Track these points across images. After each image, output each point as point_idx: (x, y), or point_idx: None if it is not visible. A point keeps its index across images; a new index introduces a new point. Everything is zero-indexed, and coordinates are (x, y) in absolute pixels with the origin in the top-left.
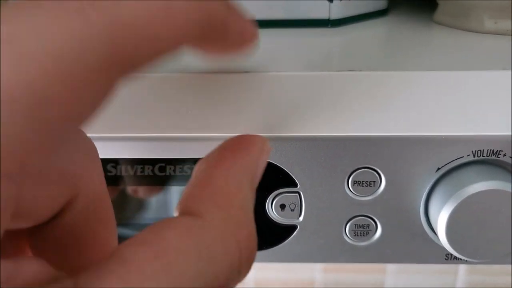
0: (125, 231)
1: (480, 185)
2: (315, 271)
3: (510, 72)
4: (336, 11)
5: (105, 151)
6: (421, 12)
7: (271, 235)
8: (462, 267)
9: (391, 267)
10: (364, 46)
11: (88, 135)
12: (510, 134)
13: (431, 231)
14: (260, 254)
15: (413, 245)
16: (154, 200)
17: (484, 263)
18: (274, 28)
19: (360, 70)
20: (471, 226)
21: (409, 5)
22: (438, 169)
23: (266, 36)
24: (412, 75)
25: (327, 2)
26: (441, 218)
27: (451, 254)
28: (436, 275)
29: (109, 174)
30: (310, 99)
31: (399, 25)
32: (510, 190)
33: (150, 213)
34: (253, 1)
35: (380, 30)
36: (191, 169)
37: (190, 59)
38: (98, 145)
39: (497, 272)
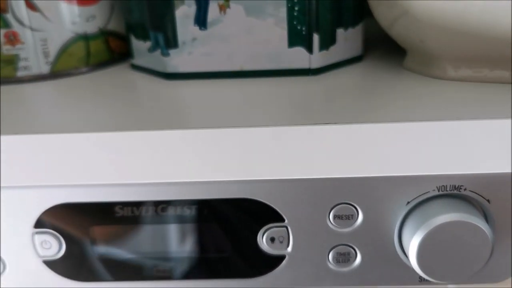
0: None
1: (444, 217)
2: None
3: (466, 122)
4: (316, 61)
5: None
6: (393, 58)
7: (263, 264)
8: None
9: None
10: (340, 94)
11: None
12: (468, 172)
13: (405, 257)
14: (254, 281)
15: (390, 270)
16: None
17: (452, 283)
18: (261, 78)
19: (336, 123)
20: (439, 252)
21: (382, 50)
22: (408, 202)
23: (253, 86)
24: (381, 126)
25: (308, 54)
26: (412, 247)
27: (424, 278)
28: None
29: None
30: (292, 148)
31: (373, 71)
32: (470, 221)
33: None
34: (241, 52)
35: (354, 77)
36: (191, 209)
37: None
38: None
39: None
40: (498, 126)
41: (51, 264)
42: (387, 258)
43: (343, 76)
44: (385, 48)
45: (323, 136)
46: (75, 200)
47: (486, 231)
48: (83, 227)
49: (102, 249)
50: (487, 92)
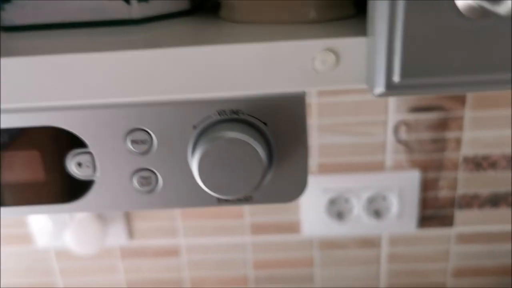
0: None
1: (220, 135)
2: (247, 269)
3: (239, 45)
4: (135, 13)
5: None
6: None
7: (75, 189)
8: (383, 257)
9: (317, 261)
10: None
11: None
12: (245, 95)
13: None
14: (68, 206)
15: (190, 192)
16: None
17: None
18: (85, 28)
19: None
20: (218, 169)
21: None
22: (194, 127)
23: (80, 36)
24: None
25: (127, 5)
26: (194, 164)
27: (221, 198)
28: (360, 266)
29: None
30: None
31: (195, 22)
32: (242, 139)
33: None
34: (69, 5)
35: (175, 27)
36: (5, 136)
37: None
38: None
39: (417, 259)
40: (268, 51)
41: None
42: (186, 181)
43: (166, 27)
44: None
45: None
46: None
47: (257, 149)
48: None
49: None
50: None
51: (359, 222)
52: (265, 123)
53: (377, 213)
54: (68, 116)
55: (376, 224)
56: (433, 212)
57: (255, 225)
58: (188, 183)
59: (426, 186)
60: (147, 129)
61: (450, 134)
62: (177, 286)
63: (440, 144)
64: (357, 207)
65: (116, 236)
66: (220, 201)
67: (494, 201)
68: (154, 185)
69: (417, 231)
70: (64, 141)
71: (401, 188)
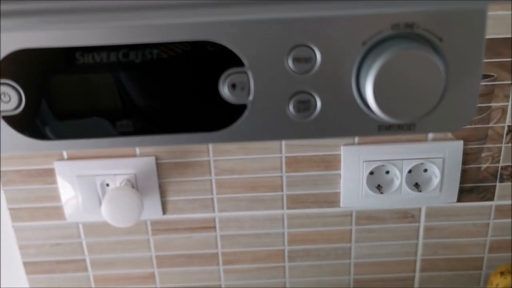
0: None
1: (397, 49)
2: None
3: None
4: None
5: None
6: None
7: (225, 115)
8: (421, 231)
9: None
10: None
11: None
12: (421, 9)
13: (363, 104)
14: (216, 134)
15: (349, 118)
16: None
17: (406, 122)
18: None
19: None
20: (394, 87)
21: None
22: (364, 43)
23: None
24: None
25: None
26: (368, 83)
27: (382, 125)
28: (397, 239)
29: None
30: None
31: None
32: (423, 53)
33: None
34: None
35: None
36: (152, 53)
37: None
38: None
39: (455, 233)
40: None
41: (10, 120)
42: (346, 105)
43: None
44: None
45: None
46: (34, 45)
47: (437, 64)
48: (43, 77)
49: (63, 102)
50: None
51: (399, 195)
52: (440, 39)
53: (418, 186)
54: (226, 30)
55: (416, 197)
56: (474, 184)
57: (292, 198)
58: (348, 108)
59: (468, 157)
60: (311, 46)
61: (496, 104)
62: (209, 262)
63: (485, 114)
64: (399, 179)
65: (149, 211)
66: (380, 129)
67: None
68: (311, 110)
69: (457, 204)
70: (217, 59)
71: (444, 160)
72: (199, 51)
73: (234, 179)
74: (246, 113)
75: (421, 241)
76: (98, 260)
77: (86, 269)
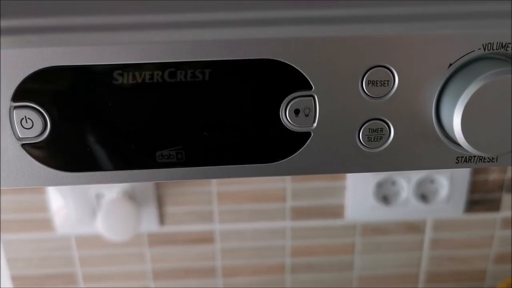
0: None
1: (493, 74)
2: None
3: None
4: None
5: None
6: None
7: (284, 144)
8: (426, 243)
9: (358, 247)
10: None
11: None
12: None
13: (442, 132)
14: (274, 166)
15: (425, 150)
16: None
17: (494, 156)
18: None
19: None
20: (485, 116)
21: None
22: (451, 64)
23: None
24: None
25: None
26: (457, 110)
27: (462, 157)
28: (402, 252)
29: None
30: None
31: None
32: None
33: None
34: None
35: None
36: (203, 73)
37: None
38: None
39: (461, 245)
40: None
41: (33, 149)
42: (423, 135)
43: None
44: None
45: None
46: (63, 63)
47: None
48: (73, 100)
49: (97, 128)
50: None
51: (406, 206)
52: None
53: (424, 197)
54: (293, 48)
55: (423, 208)
56: (481, 196)
57: (296, 210)
58: (424, 138)
59: (477, 169)
60: (390, 67)
61: None
62: (208, 275)
63: None
64: (406, 190)
65: (146, 222)
66: (459, 161)
67: None
68: (384, 140)
69: (463, 216)
70: (281, 81)
71: (453, 170)
72: (259, 71)
73: (235, 190)
74: (309, 142)
75: (425, 253)
76: (90, 274)
77: (77, 283)
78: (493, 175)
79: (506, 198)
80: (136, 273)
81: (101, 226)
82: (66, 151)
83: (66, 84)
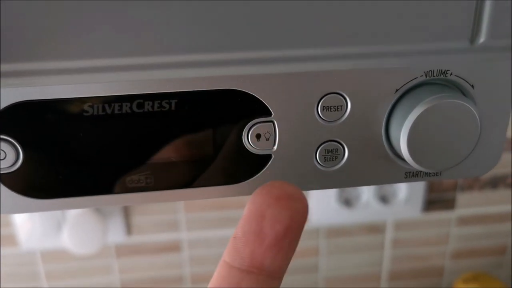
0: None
1: (435, 98)
2: None
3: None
4: None
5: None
6: None
7: (248, 166)
8: (387, 243)
9: (323, 250)
10: None
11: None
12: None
13: (391, 152)
14: (238, 187)
15: (376, 166)
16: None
17: (438, 171)
18: None
19: None
20: (429, 136)
21: None
22: (397, 90)
23: None
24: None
25: None
26: (403, 131)
27: (409, 172)
28: (365, 252)
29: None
30: None
31: None
32: (460, 101)
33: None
34: None
35: None
36: (170, 103)
37: None
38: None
39: (420, 243)
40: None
41: (7, 178)
42: (374, 153)
43: None
44: None
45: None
46: (35, 98)
47: (474, 111)
48: (45, 131)
49: (67, 157)
50: None
51: (367, 208)
52: (472, 86)
53: (384, 199)
54: (255, 81)
55: (383, 210)
56: (437, 195)
57: None
58: (375, 156)
59: None
60: (343, 93)
61: None
62: (176, 284)
63: None
64: (367, 193)
65: (112, 233)
66: (407, 176)
67: (494, 183)
68: (339, 159)
69: (421, 215)
70: (243, 109)
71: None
72: (222, 100)
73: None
74: (270, 163)
75: (386, 252)
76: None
77: None
78: None
79: (460, 197)
80: (104, 285)
81: (67, 239)
82: (39, 179)
83: (38, 116)
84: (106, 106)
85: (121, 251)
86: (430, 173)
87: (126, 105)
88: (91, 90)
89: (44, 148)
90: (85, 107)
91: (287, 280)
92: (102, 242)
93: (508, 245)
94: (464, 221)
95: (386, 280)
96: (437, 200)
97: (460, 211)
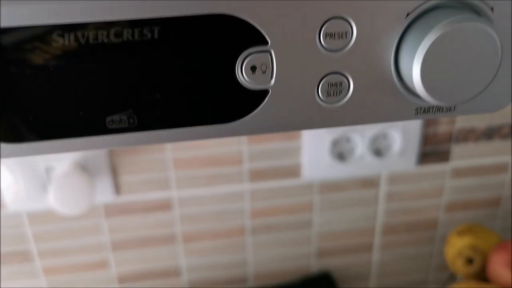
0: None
1: (451, 21)
2: (244, 219)
3: None
4: None
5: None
6: None
7: (242, 103)
8: (381, 197)
9: (316, 205)
10: None
11: None
12: None
13: (401, 85)
14: (231, 126)
15: (384, 102)
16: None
17: (452, 105)
18: None
19: None
20: (445, 65)
21: None
22: (408, 14)
23: None
24: None
25: None
26: (416, 58)
27: (421, 108)
28: (359, 207)
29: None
30: None
31: None
32: (480, 24)
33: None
34: None
35: None
36: (152, 31)
37: None
38: None
39: (414, 196)
40: None
41: None
42: (382, 87)
43: None
44: None
45: None
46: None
47: (496, 38)
48: (11, 63)
49: (39, 94)
50: None
51: (361, 162)
52: (491, 9)
53: (378, 152)
54: (248, 3)
55: (377, 163)
56: (431, 148)
57: (253, 172)
58: (383, 90)
59: (427, 121)
60: (347, 18)
61: None
62: (168, 242)
63: None
64: (360, 147)
65: (101, 193)
66: (418, 112)
67: (489, 134)
68: (343, 94)
69: (415, 168)
70: (234, 37)
71: (405, 124)
72: (212, 28)
73: (191, 155)
74: (267, 100)
75: (381, 206)
76: (46, 250)
77: (33, 260)
78: (442, 127)
79: (454, 148)
80: (93, 246)
81: (53, 200)
82: (11, 120)
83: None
84: (79, 35)
85: (110, 211)
86: (443, 108)
87: (102, 34)
88: (59, 16)
89: (14, 84)
90: (54, 36)
91: (280, 236)
92: (89, 202)
93: (502, 196)
94: (458, 173)
95: (380, 234)
96: (431, 152)
97: (454, 163)
